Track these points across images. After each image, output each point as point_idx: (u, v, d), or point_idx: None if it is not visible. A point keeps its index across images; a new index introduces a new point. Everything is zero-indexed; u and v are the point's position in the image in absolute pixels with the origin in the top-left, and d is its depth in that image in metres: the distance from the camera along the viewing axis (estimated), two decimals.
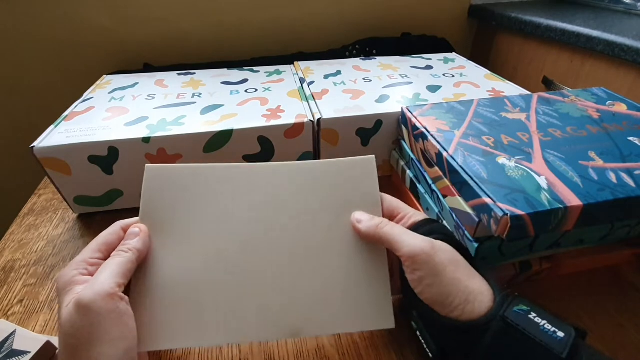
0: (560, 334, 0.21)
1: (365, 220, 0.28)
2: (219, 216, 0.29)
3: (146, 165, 0.29)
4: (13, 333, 0.29)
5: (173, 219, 0.28)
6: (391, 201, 0.31)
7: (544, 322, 0.22)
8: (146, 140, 0.40)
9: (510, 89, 0.50)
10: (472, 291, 0.24)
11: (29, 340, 0.28)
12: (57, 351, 0.29)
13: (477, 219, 0.30)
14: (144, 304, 0.26)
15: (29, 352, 0.27)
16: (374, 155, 0.30)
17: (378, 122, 0.45)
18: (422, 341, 0.27)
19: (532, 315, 0.22)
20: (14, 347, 0.28)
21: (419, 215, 0.29)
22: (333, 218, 0.29)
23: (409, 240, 0.26)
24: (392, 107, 0.46)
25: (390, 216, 0.30)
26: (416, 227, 0.28)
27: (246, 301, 0.27)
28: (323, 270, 0.28)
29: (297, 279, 0.28)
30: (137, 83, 0.54)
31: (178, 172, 0.29)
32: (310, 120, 0.43)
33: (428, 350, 0.26)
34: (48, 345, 0.28)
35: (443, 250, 0.25)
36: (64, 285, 0.23)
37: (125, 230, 0.27)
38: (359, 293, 0.28)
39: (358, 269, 0.28)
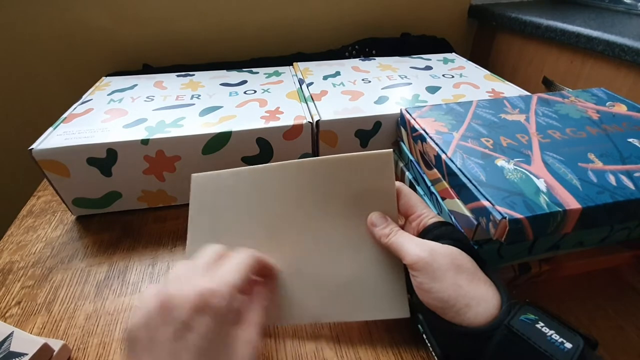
0: (568, 345, 0.21)
1: (378, 226, 0.29)
2: (252, 213, 0.32)
3: (192, 174, 0.33)
4: (10, 335, 0.29)
5: (217, 217, 0.32)
6: (408, 197, 0.31)
7: (552, 332, 0.22)
8: (145, 142, 0.40)
9: (510, 90, 0.50)
10: (474, 297, 0.24)
11: (27, 342, 0.28)
12: (54, 353, 0.29)
13: (475, 222, 0.30)
14: None
15: (26, 354, 0.27)
16: (392, 150, 0.31)
17: (377, 123, 0.45)
18: (429, 345, 0.27)
19: (540, 325, 0.22)
20: (11, 349, 0.28)
21: (432, 218, 0.29)
22: (352, 212, 0.31)
23: (410, 248, 0.26)
24: (391, 108, 0.45)
25: (406, 214, 0.31)
26: (427, 230, 0.29)
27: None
28: (344, 262, 0.31)
29: (321, 269, 0.30)
30: (136, 85, 0.54)
31: (217, 177, 0.33)
32: (309, 122, 0.43)
33: (434, 354, 0.26)
34: (45, 347, 0.28)
35: (444, 256, 0.25)
36: None
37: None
38: (376, 284, 0.30)
39: (375, 262, 0.30)
